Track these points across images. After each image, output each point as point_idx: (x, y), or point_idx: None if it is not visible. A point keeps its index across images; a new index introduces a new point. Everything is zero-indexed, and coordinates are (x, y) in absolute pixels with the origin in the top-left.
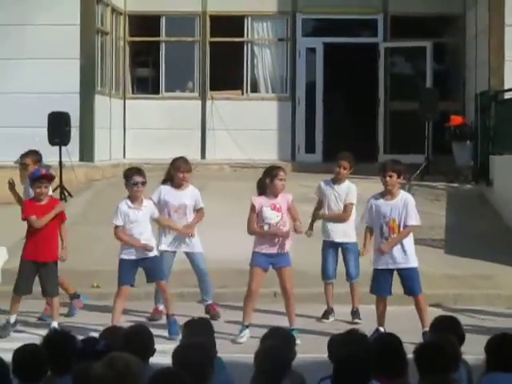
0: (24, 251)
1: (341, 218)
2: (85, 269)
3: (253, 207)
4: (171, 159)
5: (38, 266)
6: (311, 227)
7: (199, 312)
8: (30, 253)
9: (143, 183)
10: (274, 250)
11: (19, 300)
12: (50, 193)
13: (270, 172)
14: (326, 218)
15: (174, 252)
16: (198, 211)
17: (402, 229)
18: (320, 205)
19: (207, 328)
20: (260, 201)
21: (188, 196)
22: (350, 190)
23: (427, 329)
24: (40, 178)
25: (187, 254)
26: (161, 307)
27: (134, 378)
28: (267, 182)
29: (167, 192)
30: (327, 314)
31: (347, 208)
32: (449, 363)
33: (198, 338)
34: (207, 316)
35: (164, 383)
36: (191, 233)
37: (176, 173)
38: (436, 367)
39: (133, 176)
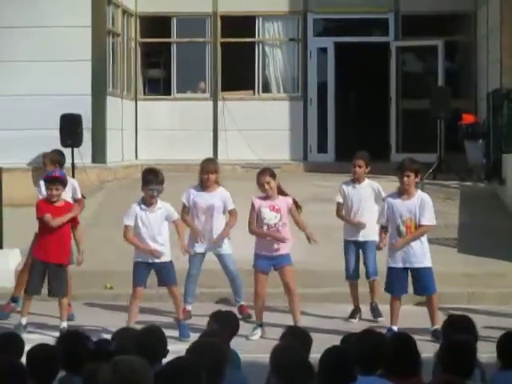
0: (35, 251)
1: None
2: (98, 270)
3: (253, 206)
4: (183, 160)
5: (48, 267)
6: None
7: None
8: (41, 253)
9: (159, 191)
10: (274, 253)
11: (30, 301)
12: (64, 197)
13: (257, 178)
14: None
15: (203, 254)
16: (230, 213)
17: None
18: (341, 207)
19: (233, 321)
20: (259, 201)
21: (216, 198)
22: (373, 188)
23: (437, 326)
24: (50, 180)
25: (217, 255)
26: (188, 307)
27: (140, 382)
28: (260, 189)
29: (196, 194)
30: (355, 313)
31: None
32: (471, 366)
33: (212, 338)
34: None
35: (175, 374)
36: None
37: (201, 174)
38: (460, 368)
39: (150, 184)
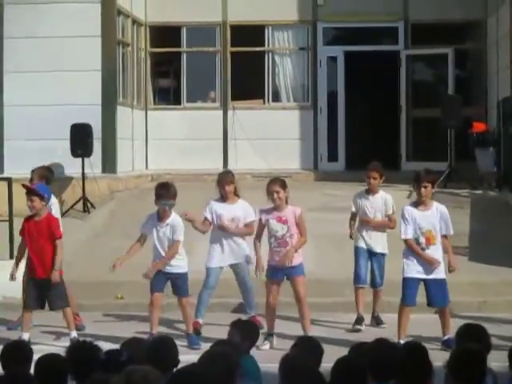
0: (26, 267)
1: (387, 227)
2: (108, 280)
3: (260, 220)
4: (194, 169)
5: (39, 282)
6: (352, 233)
7: (224, 322)
8: (30, 269)
9: (171, 206)
10: (286, 264)
11: (29, 315)
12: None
13: (267, 188)
14: (373, 225)
15: (221, 267)
16: (249, 224)
17: (438, 239)
18: (355, 216)
19: (254, 330)
20: (265, 214)
21: (239, 209)
22: (387, 201)
23: (449, 336)
24: (26, 191)
25: (233, 265)
26: (200, 320)
27: None
28: (268, 198)
29: (218, 206)
30: (360, 321)
31: (391, 218)
32: (482, 375)
33: (224, 347)
34: None
35: (186, 379)
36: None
37: (219, 187)
38: (470, 376)
39: (162, 198)
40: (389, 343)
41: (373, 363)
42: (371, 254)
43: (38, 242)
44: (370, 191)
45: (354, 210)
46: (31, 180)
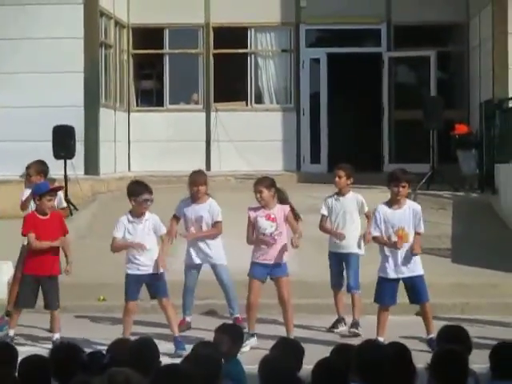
0: (25, 266)
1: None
2: (91, 282)
3: (248, 219)
4: (176, 171)
5: (40, 281)
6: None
7: (204, 324)
8: (31, 267)
9: (152, 201)
10: (271, 261)
11: (19, 313)
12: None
13: (253, 187)
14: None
15: (199, 265)
16: (215, 225)
17: (411, 237)
18: (325, 219)
19: (241, 333)
20: (254, 212)
21: (205, 209)
22: (358, 201)
23: (432, 335)
24: (51, 191)
25: (211, 266)
26: (188, 318)
27: None
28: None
29: (186, 206)
30: (337, 323)
31: (369, 215)
32: (464, 376)
33: (206, 350)
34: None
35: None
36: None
37: (191, 187)
38: (452, 378)
39: (143, 193)
40: (377, 344)
41: (361, 364)
42: (345, 256)
43: (50, 239)
44: (339, 192)
45: (325, 212)
46: (29, 176)
